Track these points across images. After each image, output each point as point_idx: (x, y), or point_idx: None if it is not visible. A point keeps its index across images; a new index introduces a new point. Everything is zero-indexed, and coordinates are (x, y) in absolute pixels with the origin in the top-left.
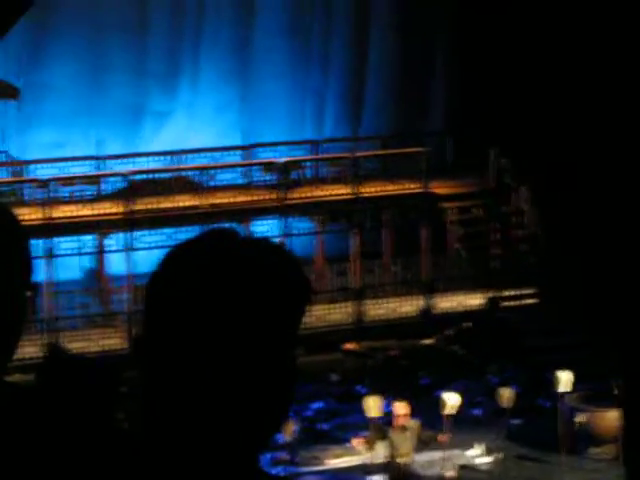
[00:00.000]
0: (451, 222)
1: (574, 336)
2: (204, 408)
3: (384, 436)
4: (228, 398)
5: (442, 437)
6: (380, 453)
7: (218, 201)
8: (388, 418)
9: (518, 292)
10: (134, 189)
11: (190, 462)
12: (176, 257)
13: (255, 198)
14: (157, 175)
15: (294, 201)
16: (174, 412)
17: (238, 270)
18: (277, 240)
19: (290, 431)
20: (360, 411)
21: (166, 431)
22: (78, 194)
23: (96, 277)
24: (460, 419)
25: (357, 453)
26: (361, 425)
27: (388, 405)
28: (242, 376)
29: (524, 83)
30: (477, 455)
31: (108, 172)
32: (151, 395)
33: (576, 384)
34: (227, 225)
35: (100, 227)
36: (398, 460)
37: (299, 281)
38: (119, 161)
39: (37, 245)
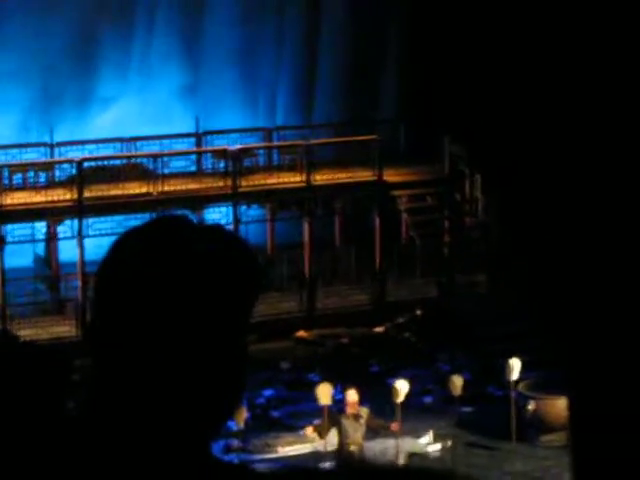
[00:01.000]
0: (404, 210)
1: (525, 324)
2: (154, 395)
3: (336, 424)
4: (178, 385)
5: (394, 425)
6: (332, 441)
7: (170, 188)
8: (339, 406)
9: (469, 280)
10: (86, 176)
11: (140, 449)
12: (126, 243)
13: (207, 185)
14: (109, 162)
15: (246, 189)
16: (123, 399)
17: (189, 256)
18: (229, 227)
19: (242, 419)
20: (311, 399)
21: (115, 418)
22: (31, 181)
23: (47, 264)
24: (411, 407)
25: (309, 441)
26: (313, 413)
27: (339, 393)
28: (193, 362)
29: (477, 69)
30: (428, 443)
31: (60, 159)
32: (101, 382)
33: (527, 372)
34: (179, 212)
35: (52, 214)
36: (349, 448)
37: (251, 268)
38: (71, 148)
39: None
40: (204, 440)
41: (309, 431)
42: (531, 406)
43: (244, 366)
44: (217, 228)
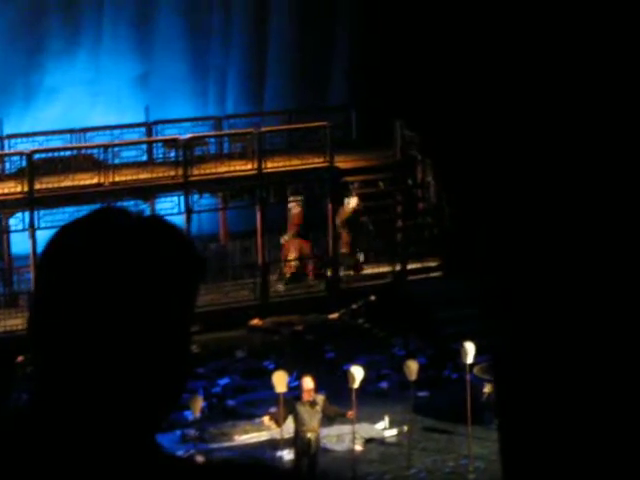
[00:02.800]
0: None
1: (479, 308)
2: (95, 387)
3: (292, 411)
4: (120, 377)
5: (350, 413)
6: (289, 428)
7: (121, 179)
8: (295, 393)
9: (423, 265)
10: (36, 168)
11: (83, 440)
12: (64, 236)
13: (158, 175)
14: (59, 153)
15: (197, 178)
16: (65, 392)
17: (126, 248)
18: (181, 216)
19: (198, 408)
20: (267, 387)
21: (57, 411)
22: None
23: None
24: (366, 392)
25: (266, 428)
26: (268, 400)
27: (295, 380)
28: (134, 354)
29: (427, 55)
30: (384, 428)
31: (10, 151)
32: (43, 375)
33: (482, 355)
34: (131, 203)
35: (3, 207)
36: (306, 435)
37: (190, 258)
38: (21, 140)
39: None
40: (148, 431)
41: (266, 420)
42: (487, 389)
43: (187, 357)
44: (155, 219)
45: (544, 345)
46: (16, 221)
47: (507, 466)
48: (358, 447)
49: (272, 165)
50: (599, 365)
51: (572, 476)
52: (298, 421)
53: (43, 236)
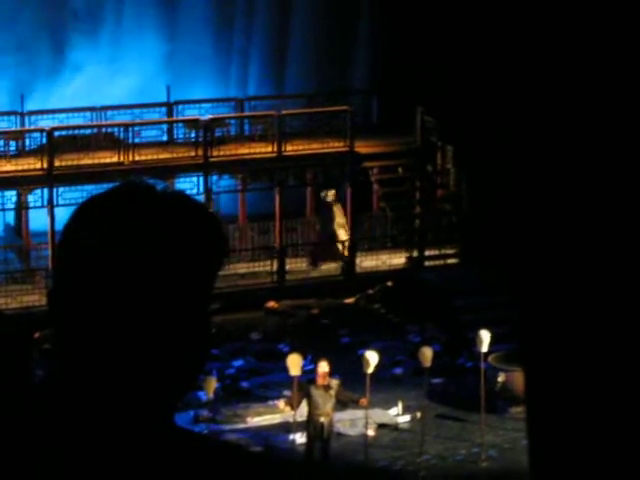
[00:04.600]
0: (375, 181)
1: (495, 296)
2: (115, 364)
3: (306, 394)
4: (141, 353)
5: (363, 400)
6: (302, 411)
7: (141, 158)
8: (309, 376)
9: (440, 252)
10: (56, 145)
11: (100, 417)
12: (87, 210)
13: (178, 155)
14: (79, 131)
15: (217, 159)
16: (85, 368)
17: (150, 223)
18: (200, 197)
19: (212, 389)
20: (282, 369)
21: (78, 387)
22: (1, 149)
23: (17, 233)
24: (381, 378)
25: (279, 411)
26: (282, 383)
27: (309, 363)
28: (154, 331)
29: (449, 40)
30: (398, 414)
31: (31, 128)
32: (63, 351)
33: (498, 344)
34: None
35: (22, 183)
36: (319, 419)
37: (214, 235)
38: (42, 117)
39: None
40: (166, 408)
41: (281, 405)
42: (501, 378)
43: (206, 335)
44: (180, 195)
45: (575, 330)
46: (35, 197)
47: (534, 455)
48: (371, 432)
49: (292, 148)
50: (634, 350)
51: (601, 463)
52: (312, 405)
53: (61, 213)
